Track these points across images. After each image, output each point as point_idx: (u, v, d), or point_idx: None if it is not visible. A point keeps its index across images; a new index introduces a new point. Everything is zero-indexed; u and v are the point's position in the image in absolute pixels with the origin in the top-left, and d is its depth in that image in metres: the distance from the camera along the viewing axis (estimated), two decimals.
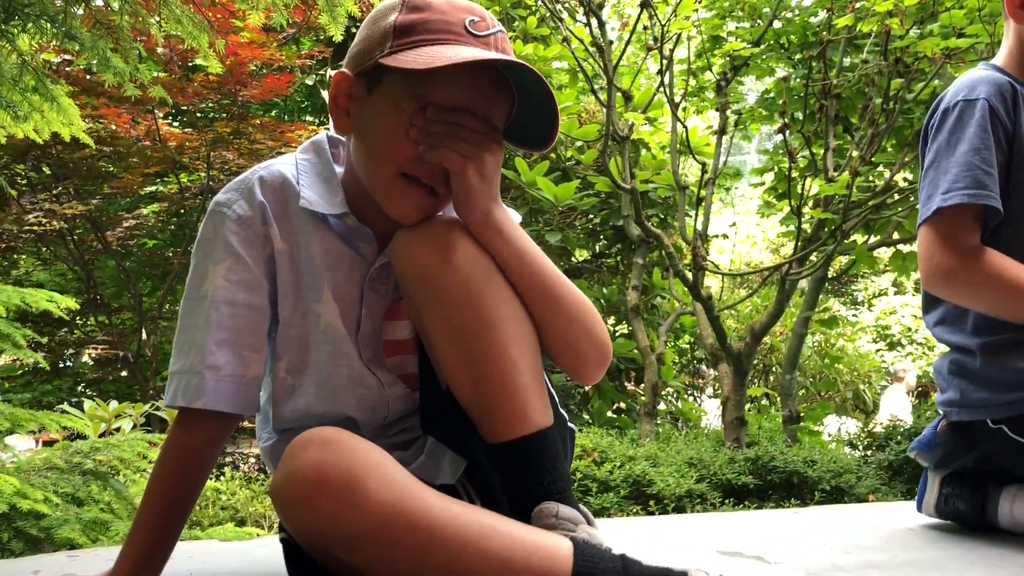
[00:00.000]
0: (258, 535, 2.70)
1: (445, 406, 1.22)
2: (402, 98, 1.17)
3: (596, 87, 4.90)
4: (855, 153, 4.27)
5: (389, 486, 1.03)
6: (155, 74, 5.20)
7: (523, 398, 1.15)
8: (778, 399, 6.49)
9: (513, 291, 1.19)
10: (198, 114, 5.71)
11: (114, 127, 5.06)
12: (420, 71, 1.11)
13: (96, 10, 2.14)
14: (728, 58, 4.91)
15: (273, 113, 6.54)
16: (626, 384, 6.42)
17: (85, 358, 6.14)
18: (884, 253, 6.57)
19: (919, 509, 1.86)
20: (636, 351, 5.54)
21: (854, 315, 10.32)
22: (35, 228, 4.99)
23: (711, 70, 5.11)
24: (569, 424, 1.31)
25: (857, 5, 3.94)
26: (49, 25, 1.85)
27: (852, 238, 4.88)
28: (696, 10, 4.60)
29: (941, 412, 1.78)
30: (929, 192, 1.65)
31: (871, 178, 5.07)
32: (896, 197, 4.58)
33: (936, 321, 1.78)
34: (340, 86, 1.24)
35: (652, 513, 3.75)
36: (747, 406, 5.83)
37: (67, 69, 4.97)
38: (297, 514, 1.04)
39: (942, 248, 1.61)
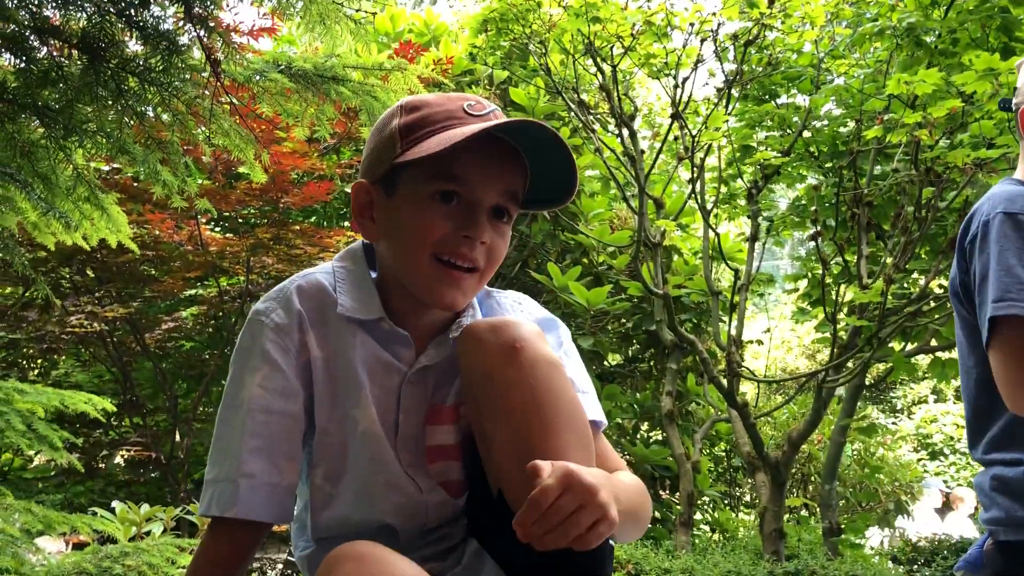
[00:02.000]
0: None
1: (492, 511, 1.21)
2: (422, 186, 1.22)
3: (628, 195, 4.98)
4: (889, 260, 4.26)
5: None
6: (199, 182, 5.37)
7: None
8: (818, 510, 6.31)
9: (576, 395, 1.19)
10: (240, 220, 5.86)
11: (158, 232, 5.20)
12: (437, 154, 1.16)
13: (148, 123, 2.24)
14: (759, 166, 4.99)
15: (312, 219, 6.68)
16: (660, 493, 6.29)
17: (118, 459, 6.16)
18: (923, 360, 6.47)
19: None
20: (670, 458, 5.45)
21: (894, 423, 10.10)
22: (76, 330, 5.09)
23: (742, 178, 5.18)
24: (609, 540, 1.29)
25: (885, 117, 4.00)
26: (104, 140, 1.94)
27: (889, 345, 4.83)
28: (726, 120, 4.71)
29: (987, 531, 1.72)
30: (983, 307, 1.62)
31: (906, 285, 5.05)
32: (932, 304, 4.54)
33: (988, 448, 1.71)
34: (360, 196, 1.29)
35: None
36: (786, 517, 5.67)
37: (116, 178, 5.15)
38: None
39: (1014, 363, 1.55)
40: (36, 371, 6.27)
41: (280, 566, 5.17)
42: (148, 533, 3.83)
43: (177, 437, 5.64)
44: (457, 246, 1.21)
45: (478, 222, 1.21)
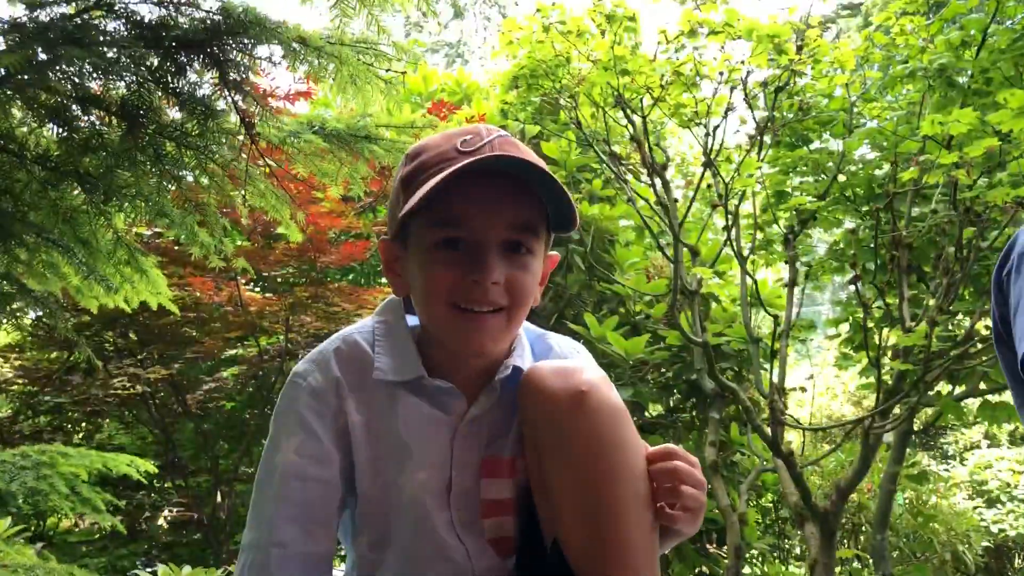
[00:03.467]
0: None
1: (544, 562, 1.18)
2: (426, 235, 1.19)
3: (663, 243, 4.96)
4: (932, 302, 4.19)
5: None
6: (238, 243, 5.45)
7: (639, 560, 1.10)
8: (870, 561, 6.13)
9: (640, 445, 1.17)
10: (278, 280, 5.94)
11: (198, 294, 5.28)
12: (431, 201, 1.13)
13: (185, 187, 2.29)
14: (794, 212, 4.95)
15: (350, 277, 6.75)
16: (708, 546, 6.15)
17: (160, 521, 6.18)
18: (972, 404, 6.32)
19: None
20: (717, 511, 5.34)
21: (946, 470, 9.82)
22: (119, 393, 5.15)
23: (778, 223, 5.14)
24: None
25: (921, 158, 3.96)
26: (143, 204, 1.99)
27: (936, 389, 4.72)
28: (759, 167, 4.69)
29: None
30: (1021, 334, 1.60)
31: (951, 327, 4.95)
32: (979, 346, 4.44)
33: None
34: (386, 254, 1.29)
35: None
36: (837, 569, 5.50)
37: (157, 241, 5.26)
38: None
39: None
40: (80, 434, 6.34)
41: None
42: None
43: (219, 498, 5.65)
44: (469, 292, 1.18)
45: (484, 264, 1.17)
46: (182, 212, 2.12)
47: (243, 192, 2.37)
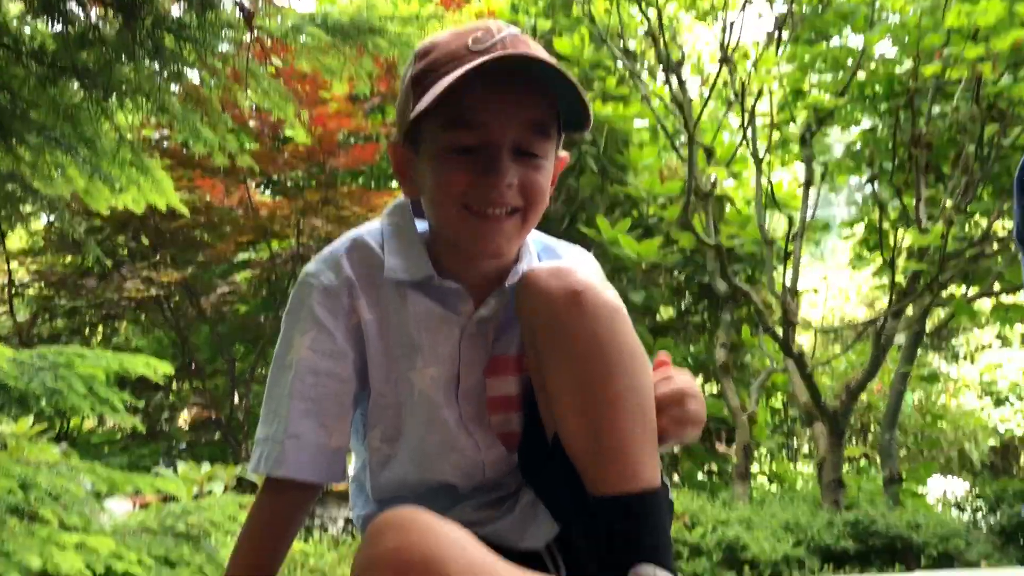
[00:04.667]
0: None
1: (546, 458, 1.19)
2: (438, 138, 1.17)
3: (677, 143, 4.88)
4: (949, 202, 4.13)
5: (470, 568, 1.00)
6: (247, 145, 5.40)
7: (637, 454, 1.10)
8: (877, 459, 6.23)
9: (639, 342, 1.16)
10: (288, 183, 5.91)
11: (208, 197, 5.26)
12: (443, 102, 1.11)
13: (188, 86, 2.24)
14: (812, 110, 4.85)
15: (360, 180, 6.70)
16: (717, 445, 6.25)
17: (180, 422, 6.31)
18: (985, 305, 6.30)
19: None
20: (727, 411, 5.40)
21: (956, 370, 9.88)
22: (134, 296, 5.19)
23: (795, 123, 5.04)
24: (670, 496, 1.26)
25: (945, 52, 3.84)
26: (144, 100, 1.95)
27: (949, 290, 4.70)
28: (777, 64, 4.57)
29: None
30: None
31: (967, 228, 4.89)
32: (995, 247, 4.40)
33: None
34: (396, 156, 1.27)
35: None
36: (845, 467, 5.60)
37: (165, 144, 5.21)
38: None
39: None
40: (98, 337, 6.43)
41: (340, 522, 5.28)
42: (210, 492, 3.92)
43: (236, 399, 5.75)
44: (483, 195, 1.16)
45: (497, 167, 1.15)
46: (184, 108, 2.09)
47: (246, 90, 2.32)
